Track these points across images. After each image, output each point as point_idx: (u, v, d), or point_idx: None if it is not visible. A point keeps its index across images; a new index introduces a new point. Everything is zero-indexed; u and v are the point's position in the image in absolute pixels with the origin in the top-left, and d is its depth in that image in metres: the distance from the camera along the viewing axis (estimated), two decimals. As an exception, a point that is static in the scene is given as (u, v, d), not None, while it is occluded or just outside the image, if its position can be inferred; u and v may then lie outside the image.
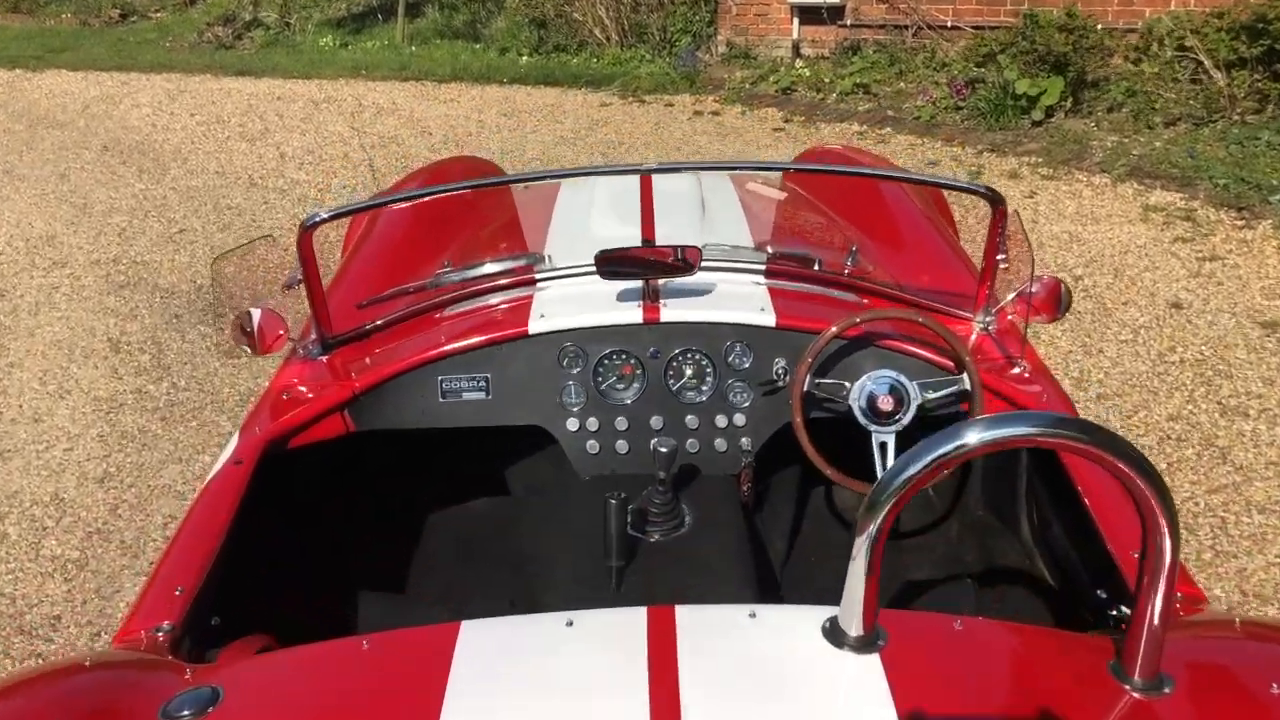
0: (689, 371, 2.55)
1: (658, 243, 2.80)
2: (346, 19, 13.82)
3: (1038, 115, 7.80)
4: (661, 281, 2.55)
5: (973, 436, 1.29)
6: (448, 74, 10.75)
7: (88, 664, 1.65)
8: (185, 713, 1.43)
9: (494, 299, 2.69)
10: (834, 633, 1.47)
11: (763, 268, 2.69)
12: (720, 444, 2.56)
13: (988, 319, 2.61)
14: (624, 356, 2.54)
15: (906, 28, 9.49)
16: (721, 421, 2.55)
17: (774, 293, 2.61)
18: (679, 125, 8.82)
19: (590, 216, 3.04)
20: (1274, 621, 2.16)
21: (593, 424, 2.55)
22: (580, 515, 2.45)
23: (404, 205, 3.23)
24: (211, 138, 9.00)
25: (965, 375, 2.40)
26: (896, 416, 2.42)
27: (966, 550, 2.83)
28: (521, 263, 2.78)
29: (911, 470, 1.33)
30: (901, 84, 9.06)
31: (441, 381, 2.54)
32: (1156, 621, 1.40)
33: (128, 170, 8.18)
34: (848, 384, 2.43)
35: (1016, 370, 2.50)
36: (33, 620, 3.37)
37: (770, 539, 2.87)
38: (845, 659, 1.44)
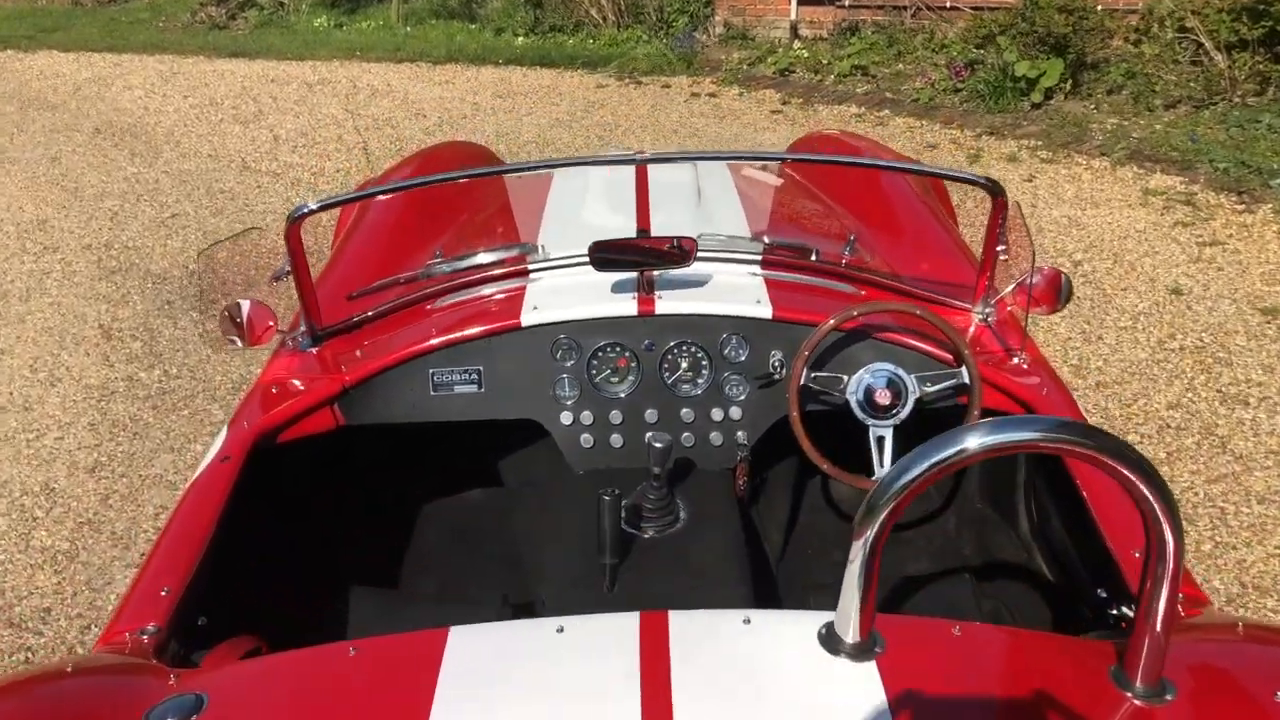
0: (684, 364, 2.52)
1: (653, 233, 2.77)
2: (341, -1, 13.74)
3: (1037, 97, 7.74)
4: (656, 273, 2.51)
5: (973, 441, 1.26)
6: (443, 55, 10.67)
7: (69, 669, 1.62)
8: (168, 720, 1.40)
9: (486, 290, 2.65)
10: (830, 639, 1.44)
11: (759, 258, 2.65)
12: (716, 438, 2.53)
13: (987, 310, 2.57)
14: (618, 349, 2.51)
15: (905, 8, 9.41)
16: (717, 415, 2.52)
17: (771, 284, 2.57)
18: (676, 107, 8.75)
19: (584, 205, 3.00)
20: (1277, 625, 2.14)
21: (586, 418, 2.52)
22: (574, 509, 2.42)
23: (395, 194, 3.18)
24: (204, 120, 8.93)
25: (964, 368, 2.36)
26: (894, 410, 2.39)
27: (964, 544, 2.81)
28: (514, 253, 2.73)
29: (910, 475, 1.30)
30: (900, 65, 8.99)
31: (433, 374, 2.50)
32: (1159, 629, 1.37)
33: (120, 153, 8.11)
34: (845, 377, 2.40)
35: (1015, 362, 2.46)
36: (22, 613, 3.34)
37: (767, 532, 2.84)
38: (841, 666, 1.41)
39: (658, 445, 2.21)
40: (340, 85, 9.90)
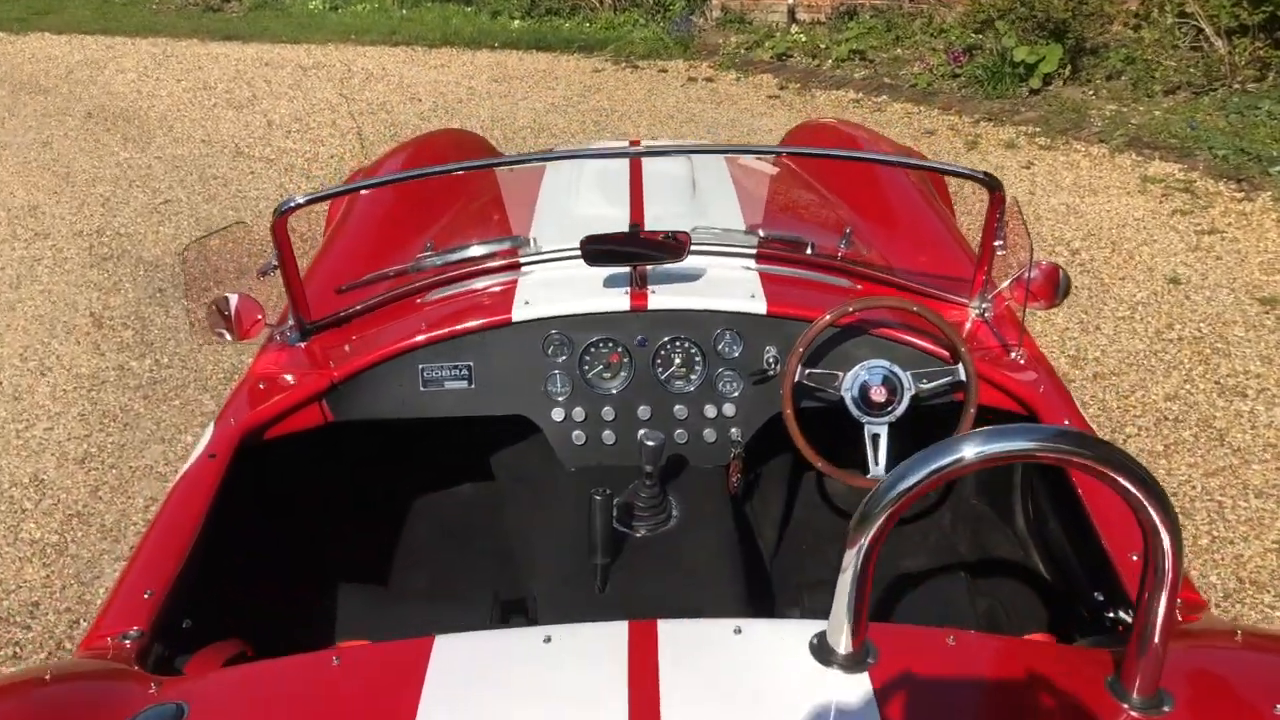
0: (677, 360, 2.49)
1: (647, 225, 2.73)
2: (336, -19, 13.62)
3: (1035, 83, 7.69)
4: (650, 267, 2.48)
5: (970, 450, 1.24)
6: (438, 39, 10.59)
7: (48, 677, 1.60)
8: (148, 730, 1.37)
9: (477, 284, 2.62)
10: (821, 649, 1.41)
11: (754, 252, 2.62)
12: (709, 434, 2.50)
13: (984, 305, 2.54)
14: (610, 344, 2.48)
15: (904, -8, 9.34)
16: (710, 412, 2.49)
17: (765, 278, 2.54)
18: (672, 92, 8.69)
19: (578, 197, 2.96)
20: (1276, 631, 2.11)
21: (578, 414, 2.49)
22: (566, 505, 2.39)
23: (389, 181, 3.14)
24: (198, 105, 8.86)
25: (960, 365, 2.34)
26: (889, 408, 2.36)
27: (960, 540, 2.78)
28: (505, 245, 2.70)
29: (905, 483, 1.27)
30: (898, 50, 8.93)
31: (422, 370, 2.47)
32: (1157, 639, 1.34)
33: (112, 138, 8.05)
34: (840, 374, 2.37)
35: (1012, 358, 2.44)
36: (10, 607, 3.31)
37: (760, 529, 2.81)
38: (833, 678, 1.39)
39: (650, 444, 2.18)
40: (335, 69, 9.83)
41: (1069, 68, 7.75)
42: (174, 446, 4.08)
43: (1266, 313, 4.65)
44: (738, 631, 1.48)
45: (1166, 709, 1.36)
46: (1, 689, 1.60)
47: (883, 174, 3.32)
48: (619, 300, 2.47)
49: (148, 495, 3.79)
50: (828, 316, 2.31)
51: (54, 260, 5.88)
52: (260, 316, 2.48)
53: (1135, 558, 1.84)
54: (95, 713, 1.50)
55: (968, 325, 2.53)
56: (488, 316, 2.47)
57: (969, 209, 4.69)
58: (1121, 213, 5.80)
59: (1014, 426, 1.27)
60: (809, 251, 2.64)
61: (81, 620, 3.21)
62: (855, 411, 2.37)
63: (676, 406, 2.50)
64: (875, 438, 2.38)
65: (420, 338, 2.45)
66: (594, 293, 2.49)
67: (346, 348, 2.51)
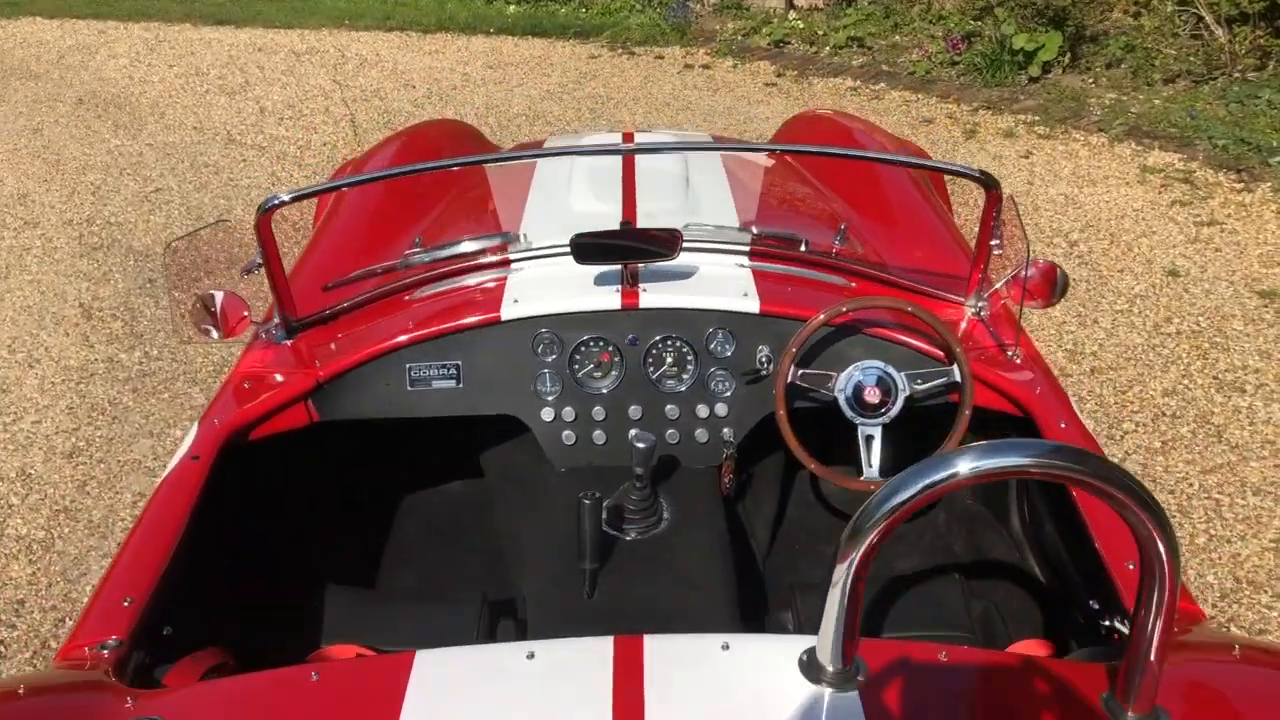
0: (669, 359, 2.45)
1: (639, 222, 2.69)
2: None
3: (1035, 71, 7.63)
4: (641, 264, 2.44)
5: (964, 466, 1.20)
6: (433, 24, 10.50)
7: (21, 690, 1.56)
8: (123, 747, 1.34)
9: (466, 281, 2.58)
10: (811, 666, 1.38)
11: (747, 249, 2.58)
12: (701, 435, 2.47)
13: (980, 304, 2.51)
14: (601, 343, 2.44)
15: (902, -21, 9.26)
16: (703, 411, 2.46)
17: (758, 276, 2.51)
18: (669, 79, 8.63)
19: (570, 191, 2.92)
20: (1274, 646, 2.09)
21: (568, 414, 2.45)
22: (556, 505, 2.36)
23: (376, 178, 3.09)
24: (190, 91, 8.79)
25: (955, 366, 2.30)
26: (884, 409, 2.33)
27: (954, 540, 2.76)
28: (495, 242, 2.66)
29: (898, 498, 1.23)
30: (897, 37, 8.86)
31: (410, 369, 2.44)
32: (1153, 657, 1.31)
33: (103, 125, 7.98)
34: (833, 374, 2.34)
35: (1008, 358, 2.40)
36: (-4, 604, 3.28)
37: (753, 529, 2.79)
38: (822, 695, 1.36)
39: (640, 445, 2.15)
40: (328, 55, 9.75)
41: (1068, 55, 7.69)
42: (163, 441, 4.04)
43: (1265, 306, 4.61)
44: (725, 648, 1.45)
45: (1163, 726, 1.33)
46: None
47: (880, 169, 3.28)
48: (610, 298, 2.43)
49: (135, 490, 3.75)
50: (821, 316, 2.27)
51: (43, 250, 5.83)
52: (246, 313, 2.45)
53: (1131, 566, 1.81)
54: (69, 728, 1.47)
55: (963, 324, 2.49)
56: (476, 315, 2.44)
57: (966, 199, 4.66)
58: (1120, 203, 5.76)
59: (1010, 442, 1.24)
60: (803, 249, 2.60)
61: (67, 619, 3.18)
62: (849, 412, 2.34)
63: (668, 406, 2.46)
64: (869, 439, 2.35)
65: (408, 336, 2.41)
66: (584, 291, 2.45)
67: (333, 346, 2.48)
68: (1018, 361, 2.40)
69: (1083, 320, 4.59)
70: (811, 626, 2.40)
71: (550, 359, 2.44)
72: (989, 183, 2.27)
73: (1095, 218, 5.60)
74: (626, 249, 2.37)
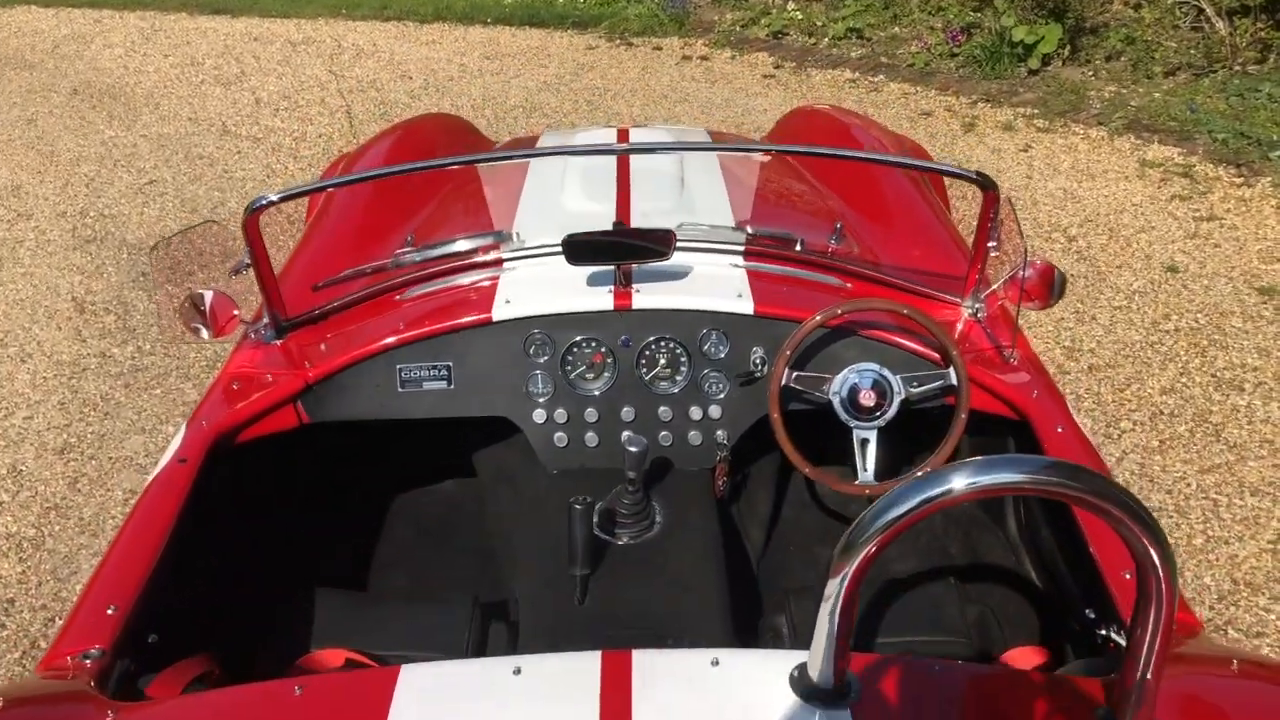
0: (662, 361, 2.43)
1: (633, 221, 2.67)
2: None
3: (1034, 64, 7.59)
4: (634, 265, 2.41)
5: (960, 482, 1.18)
6: (430, 14, 10.44)
7: (0, 702, 1.54)
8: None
9: (457, 281, 2.55)
10: (801, 682, 1.36)
11: (742, 249, 2.55)
12: (695, 437, 2.44)
13: (977, 305, 2.48)
14: (594, 345, 2.42)
15: (902, -31, 9.21)
16: (696, 413, 2.44)
17: (753, 276, 2.48)
18: (667, 70, 8.58)
19: (563, 189, 2.89)
20: (1272, 661, 2.07)
21: (560, 415, 2.43)
22: (548, 508, 2.34)
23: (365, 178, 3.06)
24: (185, 81, 8.74)
25: (951, 369, 2.28)
26: (879, 412, 2.30)
27: (951, 543, 2.73)
28: (487, 241, 2.63)
29: (892, 514, 1.21)
30: (896, 29, 8.82)
31: (400, 370, 2.41)
32: (1149, 674, 1.29)
33: (98, 116, 7.93)
34: (829, 376, 2.31)
35: (1005, 361, 2.38)
36: (-15, 603, 3.26)
37: (747, 531, 2.76)
38: (813, 712, 1.33)
39: (632, 449, 2.13)
40: (325, 45, 9.70)
41: (1068, 48, 7.64)
42: (155, 437, 4.02)
43: (1265, 303, 4.59)
44: (715, 663, 1.42)
45: (1160, 745, 1.31)
46: None
47: (877, 166, 3.25)
48: (602, 299, 2.41)
49: (127, 488, 3.73)
50: (817, 318, 2.25)
51: (36, 242, 5.80)
52: (236, 312, 2.42)
53: (1128, 576, 1.79)
54: (47, 743, 1.44)
55: (960, 325, 2.47)
56: (467, 315, 2.41)
57: (964, 193, 4.63)
58: (1119, 198, 5.73)
59: (1006, 458, 1.22)
60: (798, 248, 2.58)
61: (57, 618, 3.16)
62: (844, 416, 2.32)
63: (661, 408, 2.44)
64: (864, 443, 2.33)
65: (398, 337, 2.39)
66: (577, 291, 2.43)
67: (323, 346, 2.45)
68: (1014, 363, 2.37)
69: (1081, 317, 4.56)
70: (805, 632, 2.39)
71: (542, 360, 2.42)
72: (986, 184, 2.24)
73: (1094, 212, 5.57)
74: (619, 249, 2.34)
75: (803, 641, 2.36)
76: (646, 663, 1.42)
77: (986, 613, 2.43)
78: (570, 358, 2.42)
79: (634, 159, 2.96)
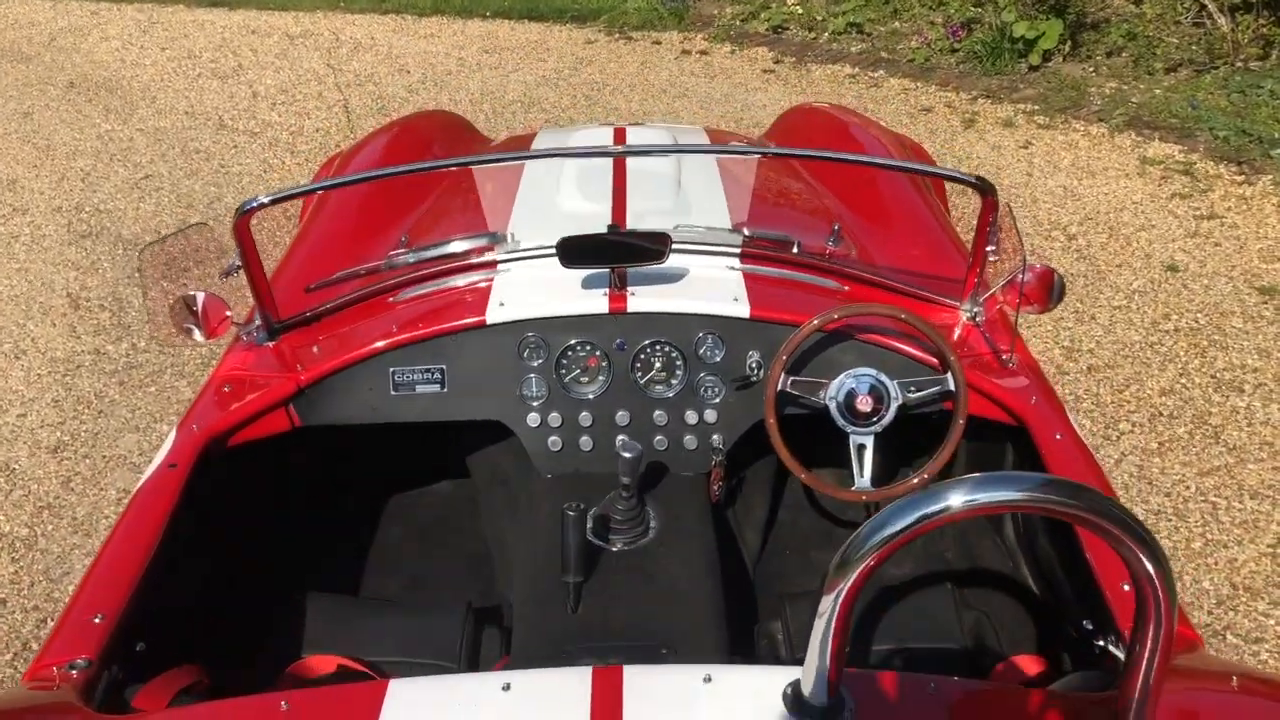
0: (657, 364, 2.41)
1: (629, 221, 2.65)
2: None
3: (1035, 59, 7.55)
4: (629, 267, 2.39)
5: (957, 500, 1.17)
6: (428, 7, 10.39)
7: (-16, 716, 1.52)
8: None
9: (451, 283, 2.53)
10: (795, 700, 1.34)
11: (738, 251, 2.53)
12: (690, 441, 2.42)
13: (975, 309, 2.46)
14: (588, 348, 2.40)
15: (902, -36, 9.16)
16: (691, 418, 2.42)
17: (749, 279, 2.46)
18: (666, 65, 8.54)
19: (559, 189, 2.86)
20: (1273, 677, 2.05)
21: (554, 419, 2.41)
22: (542, 511, 2.33)
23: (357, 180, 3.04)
24: (182, 74, 8.70)
25: (949, 375, 2.26)
26: (876, 418, 2.28)
27: (947, 547, 2.72)
28: (482, 242, 2.61)
29: (888, 531, 1.20)
30: (896, 24, 8.78)
31: (393, 373, 2.39)
32: (1149, 694, 1.27)
33: (94, 109, 7.89)
34: (825, 381, 2.29)
35: (1004, 366, 2.35)
36: (-23, 604, 3.24)
37: (743, 534, 2.75)
38: (807, 731, 1.32)
39: (627, 455, 2.11)
40: (323, 38, 9.66)
41: (1069, 44, 7.61)
42: (149, 435, 3.99)
43: (1265, 303, 4.56)
44: (707, 679, 1.40)
45: (1158, 765, 1.29)
46: None
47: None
48: (597, 302, 2.39)
49: (120, 487, 3.71)
50: (815, 321, 2.23)
51: (31, 237, 5.77)
52: (228, 314, 2.39)
53: (1126, 587, 1.77)
54: (30, 756, 1.43)
55: (958, 330, 2.45)
56: (461, 318, 2.39)
57: (963, 192, 4.60)
58: (1120, 196, 5.70)
59: (1004, 475, 1.20)
60: (795, 251, 2.55)
61: (49, 619, 3.14)
62: (840, 421, 2.30)
63: (656, 412, 2.42)
64: (860, 448, 2.31)
65: (391, 340, 2.36)
66: (571, 294, 2.41)
67: (315, 349, 2.43)
68: (1013, 368, 2.35)
69: (1080, 316, 4.54)
70: (800, 638, 2.37)
71: (536, 363, 2.40)
72: (985, 188, 2.22)
73: (1094, 210, 5.55)
74: (614, 252, 2.32)
75: (798, 648, 2.35)
76: (638, 679, 1.40)
77: (983, 619, 2.42)
78: (565, 361, 2.40)
79: (630, 159, 2.93)
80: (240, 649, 2.21)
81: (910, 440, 2.64)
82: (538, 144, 3.54)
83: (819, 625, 1.26)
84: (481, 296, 2.43)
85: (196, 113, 7.74)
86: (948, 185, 3.60)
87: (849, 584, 1.22)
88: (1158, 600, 1.20)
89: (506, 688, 1.40)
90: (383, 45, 9.37)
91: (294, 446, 2.49)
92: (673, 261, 2.34)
